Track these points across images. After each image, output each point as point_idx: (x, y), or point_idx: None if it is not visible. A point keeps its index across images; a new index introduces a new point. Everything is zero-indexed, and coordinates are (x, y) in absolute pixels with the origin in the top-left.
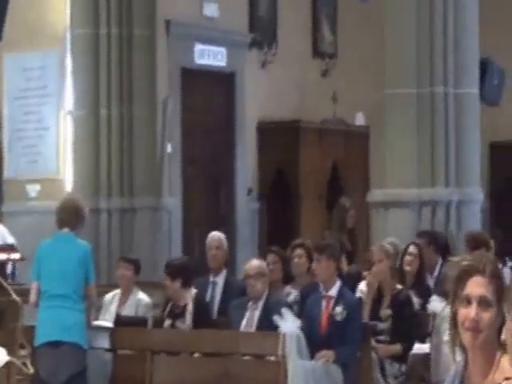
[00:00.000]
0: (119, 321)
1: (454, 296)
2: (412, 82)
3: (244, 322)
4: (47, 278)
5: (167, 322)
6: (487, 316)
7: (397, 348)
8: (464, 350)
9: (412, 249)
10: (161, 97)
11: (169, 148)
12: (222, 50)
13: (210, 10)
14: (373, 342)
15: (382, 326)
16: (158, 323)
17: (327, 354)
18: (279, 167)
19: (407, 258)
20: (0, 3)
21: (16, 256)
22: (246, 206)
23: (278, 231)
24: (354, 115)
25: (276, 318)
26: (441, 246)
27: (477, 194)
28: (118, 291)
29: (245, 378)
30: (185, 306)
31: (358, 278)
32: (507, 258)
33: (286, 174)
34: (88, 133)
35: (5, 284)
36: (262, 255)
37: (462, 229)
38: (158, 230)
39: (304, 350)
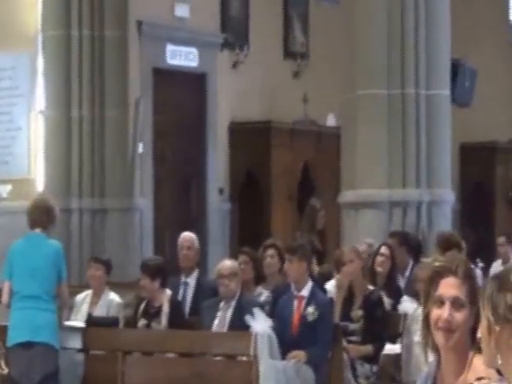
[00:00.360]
0: (91, 321)
1: (426, 296)
2: (383, 83)
3: (216, 322)
4: (19, 278)
5: (142, 322)
6: (460, 316)
7: (368, 348)
8: (436, 350)
9: (383, 250)
10: (132, 97)
11: (140, 148)
12: (194, 51)
13: (182, 11)
14: (344, 343)
15: (353, 326)
16: (130, 323)
17: (298, 355)
18: (250, 168)
19: (378, 258)
20: None
21: None
22: (217, 207)
23: (248, 232)
24: (325, 116)
25: (248, 318)
26: (412, 246)
27: (448, 194)
28: (89, 291)
29: (217, 378)
30: (160, 307)
31: (330, 279)
32: (478, 259)
33: (258, 174)
34: (59, 133)
35: None
36: (233, 255)
37: (433, 229)
38: (129, 231)
39: (275, 350)
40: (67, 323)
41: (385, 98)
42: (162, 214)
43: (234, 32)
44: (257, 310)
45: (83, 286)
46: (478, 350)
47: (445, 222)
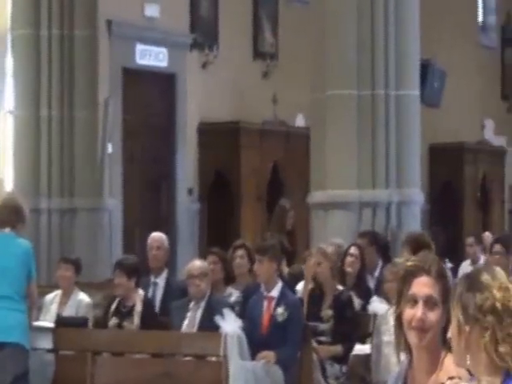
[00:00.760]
0: (60, 321)
1: (399, 296)
2: (352, 83)
3: (186, 323)
4: None
5: (113, 321)
6: (433, 316)
7: (337, 349)
8: (408, 349)
9: (353, 250)
10: (102, 97)
11: (109, 148)
12: (164, 51)
13: (152, 11)
14: (314, 343)
15: (323, 326)
16: (100, 323)
17: (268, 355)
18: (220, 168)
19: (348, 259)
20: None
21: None
22: (186, 207)
23: (218, 232)
24: (294, 116)
25: (218, 318)
26: (381, 246)
27: (417, 195)
28: (58, 292)
29: (186, 379)
30: (133, 306)
31: (300, 279)
32: (447, 260)
33: (227, 174)
34: (29, 133)
35: None
36: (203, 256)
37: (402, 230)
38: (99, 231)
39: (245, 351)
40: (36, 323)
41: (354, 98)
42: (131, 213)
43: (204, 32)
44: (226, 311)
45: (52, 286)
46: (450, 350)
47: (414, 222)
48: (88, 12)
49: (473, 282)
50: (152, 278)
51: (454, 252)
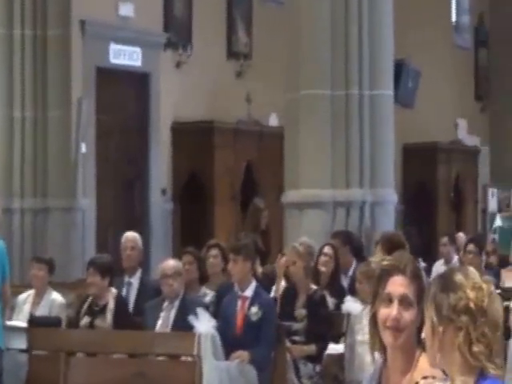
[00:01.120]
0: (33, 321)
1: (374, 295)
2: (327, 83)
3: (159, 322)
4: None
5: (85, 320)
6: (408, 315)
7: (311, 348)
8: (383, 349)
9: (327, 249)
10: (75, 97)
11: (83, 148)
12: (137, 50)
13: (125, 10)
14: (287, 343)
15: (296, 326)
16: (73, 323)
17: (242, 355)
18: (193, 168)
19: (322, 258)
20: None
21: None
22: (160, 207)
23: (191, 232)
24: (268, 116)
25: (191, 318)
26: (355, 246)
27: (390, 195)
28: (31, 291)
29: (160, 379)
30: (105, 305)
31: (274, 279)
32: (420, 259)
33: (201, 174)
34: (1, 133)
35: None
36: (176, 255)
37: (376, 230)
38: (72, 231)
39: (219, 351)
40: (9, 323)
41: (328, 98)
42: (105, 213)
43: (178, 32)
44: (200, 310)
45: (25, 286)
46: (424, 349)
47: (388, 222)
48: (61, 11)
49: (446, 283)
50: (126, 278)
51: (428, 252)
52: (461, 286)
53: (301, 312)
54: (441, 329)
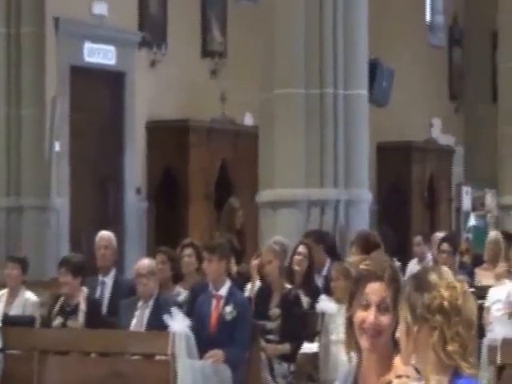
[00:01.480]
0: (7, 320)
1: (351, 298)
2: (301, 82)
3: (134, 322)
4: None
5: (58, 321)
6: (385, 319)
7: (285, 347)
8: (358, 349)
9: (301, 249)
10: (49, 95)
11: (57, 147)
12: (112, 49)
13: (100, 9)
14: (262, 342)
15: (270, 325)
16: (46, 323)
17: (216, 354)
18: (168, 167)
19: (296, 257)
20: None
21: None
22: (134, 206)
23: (166, 231)
24: (242, 115)
25: (166, 317)
26: (329, 245)
27: (365, 194)
28: (4, 291)
29: (134, 378)
30: (77, 305)
31: (248, 278)
32: (395, 259)
33: (175, 173)
34: None
35: None
36: (151, 255)
37: (350, 229)
38: (46, 230)
39: (193, 350)
40: None
41: (302, 97)
42: (79, 213)
43: (152, 31)
44: (175, 310)
45: None
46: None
47: (362, 221)
48: (35, 9)
49: (420, 282)
50: (100, 277)
51: (402, 251)
52: (435, 285)
53: (275, 311)
54: (415, 328)
